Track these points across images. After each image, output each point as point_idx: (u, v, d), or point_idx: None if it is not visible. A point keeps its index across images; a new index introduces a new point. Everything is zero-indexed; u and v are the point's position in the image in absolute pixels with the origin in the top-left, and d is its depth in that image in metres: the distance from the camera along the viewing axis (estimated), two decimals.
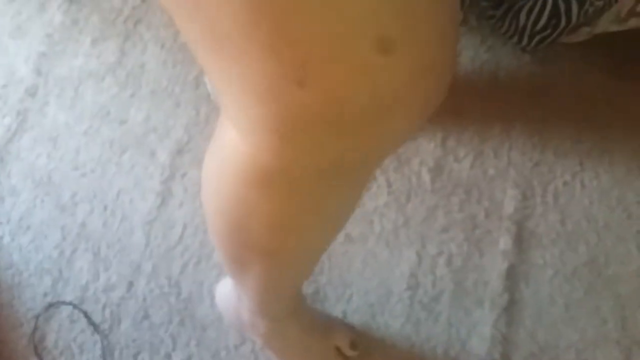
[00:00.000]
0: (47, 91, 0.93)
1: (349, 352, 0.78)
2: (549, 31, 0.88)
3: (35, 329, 0.80)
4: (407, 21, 0.29)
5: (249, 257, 0.48)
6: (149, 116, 0.92)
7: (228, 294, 0.72)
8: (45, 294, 0.82)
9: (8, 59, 0.96)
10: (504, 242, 0.86)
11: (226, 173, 0.40)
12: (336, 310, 0.82)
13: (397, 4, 0.28)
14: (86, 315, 0.80)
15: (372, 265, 0.84)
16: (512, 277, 0.84)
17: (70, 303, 0.81)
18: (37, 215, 0.86)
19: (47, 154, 0.89)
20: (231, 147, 0.37)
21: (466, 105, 0.94)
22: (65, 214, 0.85)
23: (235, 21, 0.28)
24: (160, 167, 0.88)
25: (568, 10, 0.84)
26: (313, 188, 0.38)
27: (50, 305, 0.81)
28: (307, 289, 0.82)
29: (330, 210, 0.43)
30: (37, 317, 0.80)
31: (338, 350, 0.78)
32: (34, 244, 0.84)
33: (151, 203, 0.86)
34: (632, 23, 0.90)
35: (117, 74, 0.94)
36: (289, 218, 0.41)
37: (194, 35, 0.32)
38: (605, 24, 0.90)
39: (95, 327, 0.80)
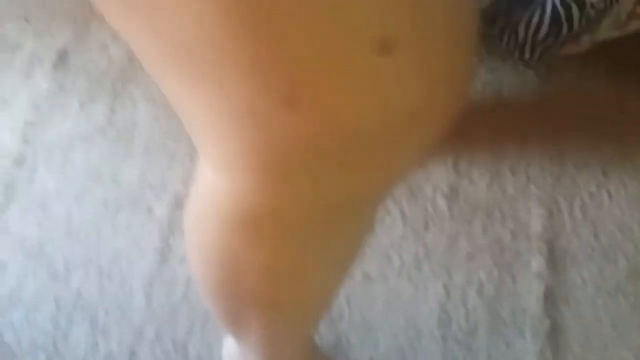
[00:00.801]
0: (35, 159, 0.88)
1: None
2: (550, 40, 0.84)
3: None
4: (416, 22, 0.23)
5: (245, 313, 0.42)
6: (144, 173, 0.86)
7: (233, 350, 0.64)
8: None
9: None
10: (537, 263, 0.78)
11: (206, 220, 0.34)
12: (363, 359, 0.73)
13: (403, 3, 0.23)
14: None
15: (397, 304, 0.76)
16: (551, 300, 0.75)
17: None
18: (29, 287, 0.78)
19: (37, 222, 0.83)
20: (209, 188, 0.31)
21: (475, 126, 0.88)
22: (58, 283, 0.78)
23: (210, 39, 0.22)
24: (158, 223, 0.82)
25: (569, 16, 0.80)
26: (310, 229, 0.31)
27: None
28: (326, 338, 0.74)
29: (334, 252, 0.36)
30: None
31: None
32: (27, 319, 0.76)
33: (150, 261, 0.79)
34: (633, 26, 0.87)
35: (107, 134, 0.90)
36: (284, 265, 0.35)
37: (154, 56, 0.26)
38: (606, 30, 0.87)
39: None
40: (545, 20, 0.81)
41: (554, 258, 0.79)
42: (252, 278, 0.36)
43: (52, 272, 0.79)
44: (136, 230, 0.82)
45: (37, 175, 0.87)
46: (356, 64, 0.23)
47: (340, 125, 0.24)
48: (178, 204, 0.83)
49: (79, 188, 0.85)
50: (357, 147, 0.25)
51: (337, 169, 0.26)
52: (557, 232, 0.80)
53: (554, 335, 0.73)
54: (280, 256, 0.33)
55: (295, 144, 0.24)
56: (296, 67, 0.22)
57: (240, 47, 0.22)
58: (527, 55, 0.86)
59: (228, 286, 0.38)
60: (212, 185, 0.31)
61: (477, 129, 0.88)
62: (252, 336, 0.46)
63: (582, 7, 0.80)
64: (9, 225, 0.84)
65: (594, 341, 0.73)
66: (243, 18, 0.21)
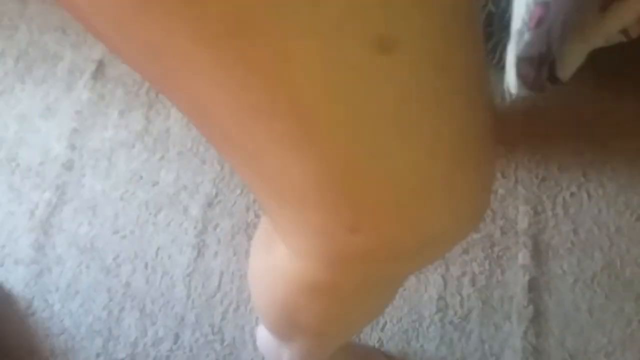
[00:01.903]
0: (83, 164, 0.95)
1: None
2: None
3: None
4: (454, 175, 0.30)
5: (296, 336, 0.50)
6: (179, 176, 0.93)
7: (268, 338, 0.72)
8: (98, 355, 0.82)
9: (41, 139, 0.99)
10: (523, 256, 0.85)
11: (278, 279, 0.41)
12: (372, 340, 0.81)
13: (439, 164, 0.29)
14: None
15: (401, 293, 0.84)
16: (534, 289, 0.83)
17: None
18: (84, 280, 0.86)
19: (88, 222, 0.91)
20: (283, 260, 0.39)
21: None
22: (109, 276, 0.86)
23: (299, 187, 0.29)
24: (193, 222, 0.89)
25: None
26: (358, 296, 0.40)
27: None
28: None
29: (372, 305, 0.46)
30: None
31: None
32: (83, 308, 0.85)
33: (188, 256, 0.87)
34: (616, 39, 0.92)
35: (145, 141, 0.96)
36: (333, 314, 0.43)
37: (253, 185, 0.33)
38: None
39: None
40: None
41: (538, 251, 0.86)
42: (308, 319, 0.44)
43: (104, 266, 0.87)
44: (174, 228, 0.89)
45: (85, 179, 0.94)
46: (401, 209, 0.30)
47: (387, 246, 0.32)
48: (210, 204, 0.91)
49: (123, 190, 0.93)
50: (399, 257, 0.33)
51: (383, 266, 0.34)
52: (541, 228, 0.88)
53: (537, 320, 0.81)
54: (332, 311, 0.42)
55: (355, 253, 0.32)
56: (359, 207, 0.30)
57: (321, 197, 0.30)
58: None
59: (287, 320, 0.46)
60: (286, 258, 0.38)
61: None
62: (296, 346, 0.54)
63: None
64: (63, 224, 0.91)
65: (573, 326, 0.81)
66: (325, 182, 0.29)
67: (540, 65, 0.39)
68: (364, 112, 0.26)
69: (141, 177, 0.93)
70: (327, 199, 0.29)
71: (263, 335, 0.75)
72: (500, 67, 0.93)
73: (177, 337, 0.82)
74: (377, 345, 0.81)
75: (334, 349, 0.62)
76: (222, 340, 0.81)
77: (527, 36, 0.39)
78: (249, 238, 0.88)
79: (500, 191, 0.90)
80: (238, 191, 0.92)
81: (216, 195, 0.92)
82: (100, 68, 1.04)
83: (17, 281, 0.87)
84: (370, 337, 0.81)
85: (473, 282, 0.84)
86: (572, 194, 0.90)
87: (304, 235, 0.33)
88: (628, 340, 0.80)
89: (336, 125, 0.26)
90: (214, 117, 0.28)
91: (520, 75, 0.65)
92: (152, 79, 0.29)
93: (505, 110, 0.97)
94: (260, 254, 0.44)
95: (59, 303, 0.85)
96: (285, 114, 0.26)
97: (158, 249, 0.88)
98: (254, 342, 0.80)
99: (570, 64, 0.38)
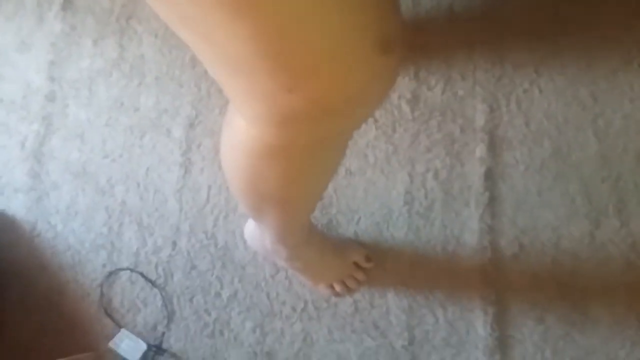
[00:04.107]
0: (64, 94, 1.03)
1: (366, 265, 0.91)
2: None
3: (102, 295, 0.92)
4: (364, 38, 0.39)
5: (264, 206, 0.62)
6: (158, 100, 1.02)
7: (253, 230, 0.85)
8: (104, 265, 0.94)
9: (20, 73, 1.05)
10: (480, 150, 0.97)
11: (240, 149, 0.52)
12: (348, 233, 0.94)
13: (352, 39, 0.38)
14: (143, 275, 0.93)
15: (373, 191, 0.96)
16: (490, 178, 0.96)
17: (127, 268, 0.93)
18: (82, 202, 0.97)
19: (77, 148, 1.00)
20: (241, 131, 0.50)
21: (431, 39, 1.04)
22: (105, 196, 0.97)
23: (243, 53, 0.39)
24: (177, 142, 0.99)
25: None
26: (305, 156, 0.51)
27: (111, 274, 0.93)
28: (322, 219, 0.95)
29: (321, 167, 0.57)
30: (101, 285, 0.93)
31: (356, 264, 0.91)
32: (85, 226, 0.96)
33: (177, 174, 0.97)
34: None
35: (121, 68, 1.04)
36: (289, 177, 0.54)
37: (208, 58, 0.43)
38: None
39: (152, 283, 0.92)
40: None
41: (494, 144, 0.98)
42: (269, 185, 0.55)
43: (99, 188, 0.97)
44: (160, 150, 0.99)
45: (69, 109, 1.02)
46: (323, 69, 0.40)
47: (317, 103, 0.42)
48: (191, 125, 1.00)
49: (106, 117, 1.01)
50: (330, 113, 0.43)
51: (318, 123, 0.45)
52: (497, 124, 0.99)
53: (492, 204, 0.95)
54: (288, 171, 0.53)
55: (294, 111, 0.43)
56: (293, 73, 0.40)
57: (261, 60, 0.40)
58: None
59: (253, 190, 0.58)
60: (244, 129, 0.49)
61: (433, 42, 1.03)
62: (268, 220, 0.66)
63: None
64: (53, 152, 1.00)
65: (523, 207, 0.95)
66: (261, 43, 0.38)
67: None
68: None
69: (122, 104, 1.02)
70: (267, 63, 0.39)
71: (249, 229, 0.87)
72: None
73: (174, 244, 0.94)
74: (353, 237, 0.94)
75: (304, 221, 0.74)
76: (216, 244, 0.94)
77: None
78: None
79: (460, 93, 1.01)
80: (217, 110, 1.01)
81: (196, 116, 1.01)
82: None
83: (18, 208, 0.98)
84: (347, 230, 0.94)
85: (436, 176, 0.96)
86: (524, 90, 1.01)
87: (254, 100, 0.43)
88: (572, 216, 0.94)
89: None
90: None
91: None
92: None
93: (466, 15, 1.05)
94: (225, 131, 0.55)
95: (61, 224, 0.96)
96: None
97: (147, 169, 0.98)
98: (245, 243, 0.92)
99: None
